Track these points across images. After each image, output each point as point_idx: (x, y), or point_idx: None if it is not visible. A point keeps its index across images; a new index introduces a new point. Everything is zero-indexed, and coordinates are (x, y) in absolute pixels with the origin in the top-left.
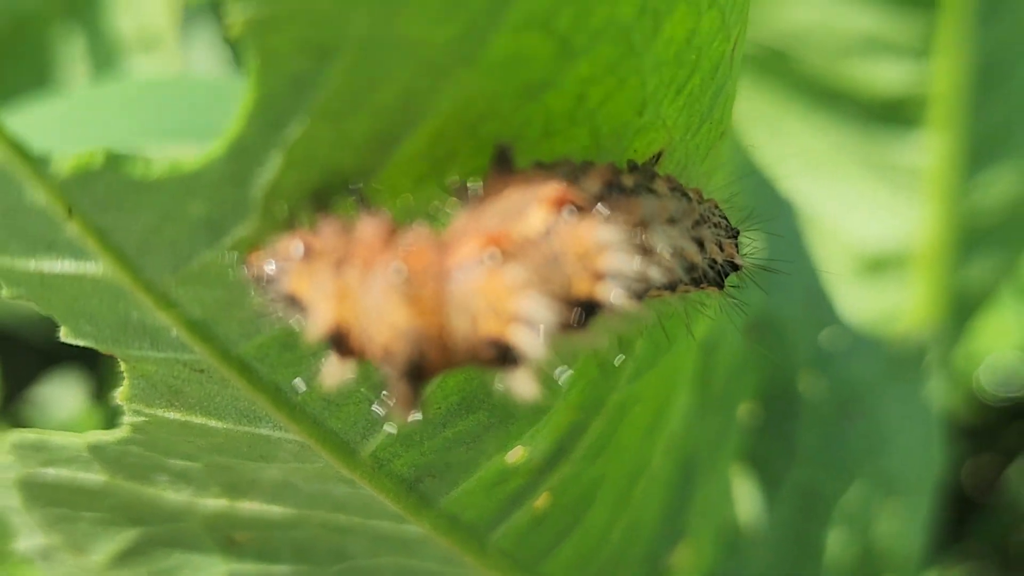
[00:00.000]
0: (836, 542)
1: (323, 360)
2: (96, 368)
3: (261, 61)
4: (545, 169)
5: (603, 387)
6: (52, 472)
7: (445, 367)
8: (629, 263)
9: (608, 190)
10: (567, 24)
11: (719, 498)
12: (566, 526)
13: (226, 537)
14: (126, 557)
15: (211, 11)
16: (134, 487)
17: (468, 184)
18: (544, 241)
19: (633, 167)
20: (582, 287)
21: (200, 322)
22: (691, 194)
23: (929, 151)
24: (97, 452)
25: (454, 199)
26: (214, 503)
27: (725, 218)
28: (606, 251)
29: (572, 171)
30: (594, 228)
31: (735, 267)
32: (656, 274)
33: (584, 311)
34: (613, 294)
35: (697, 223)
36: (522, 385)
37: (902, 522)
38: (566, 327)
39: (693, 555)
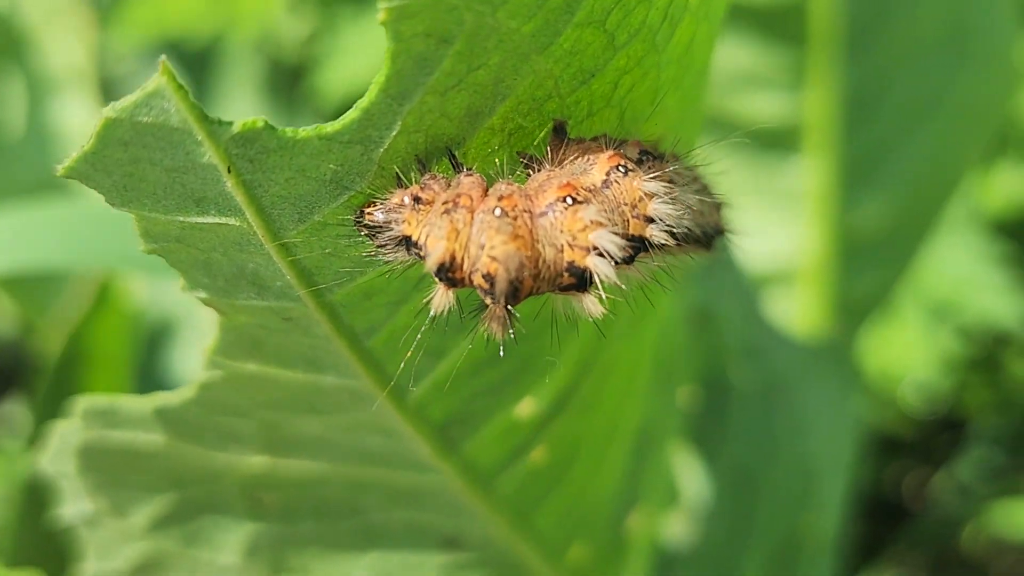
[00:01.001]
0: (764, 517)
1: (432, 292)
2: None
3: (395, 43)
4: (592, 141)
5: (596, 346)
6: (115, 435)
7: (533, 292)
8: (670, 209)
9: (643, 157)
10: (615, 23)
11: (664, 471)
12: (555, 478)
13: (254, 498)
14: (162, 520)
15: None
16: (186, 448)
17: (531, 153)
18: (604, 191)
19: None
20: (635, 228)
21: (307, 271)
22: (689, 170)
23: (808, 175)
24: (161, 414)
25: (521, 164)
26: (253, 461)
27: (712, 193)
28: (652, 200)
29: (612, 143)
30: (642, 182)
31: (721, 232)
32: (687, 221)
33: (633, 249)
34: (657, 234)
35: (697, 191)
36: (591, 306)
37: (820, 501)
38: (623, 261)
39: (643, 522)
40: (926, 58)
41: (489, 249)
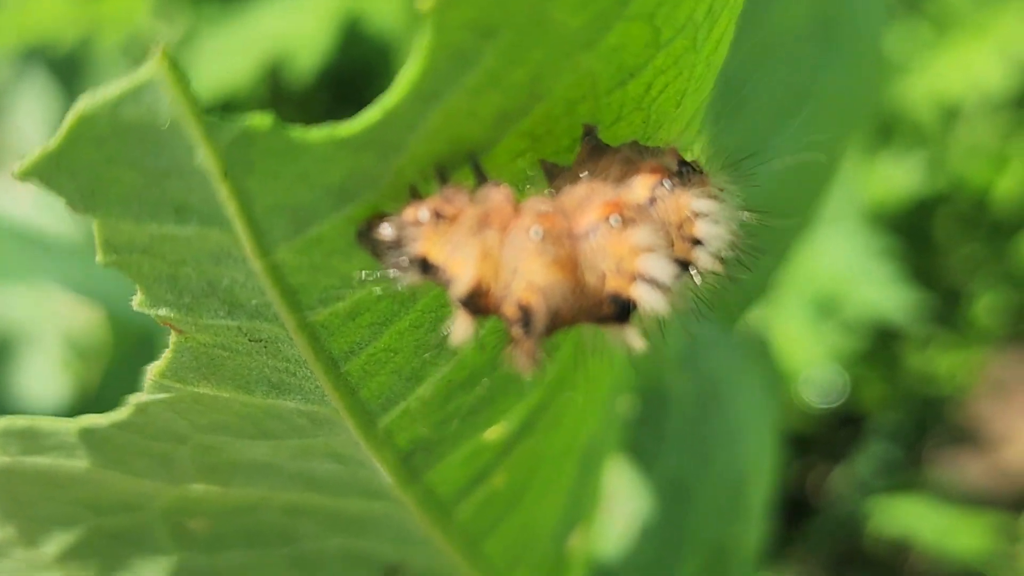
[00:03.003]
0: (696, 529)
1: (451, 319)
2: None
3: (436, 36)
4: (627, 149)
5: (573, 363)
6: (31, 460)
7: (571, 323)
8: (718, 230)
9: (681, 169)
10: (663, 17)
11: (602, 485)
12: (511, 502)
13: (180, 526)
14: (77, 550)
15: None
16: (110, 474)
17: (556, 161)
18: (650, 210)
19: None
20: (681, 251)
21: (291, 289)
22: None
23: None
24: (86, 436)
25: (544, 174)
26: (184, 488)
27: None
28: (701, 220)
29: (648, 152)
30: (690, 199)
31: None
32: (738, 243)
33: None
34: (704, 258)
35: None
36: (632, 339)
37: (748, 511)
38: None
39: (582, 539)
40: (792, 52)
41: (526, 275)
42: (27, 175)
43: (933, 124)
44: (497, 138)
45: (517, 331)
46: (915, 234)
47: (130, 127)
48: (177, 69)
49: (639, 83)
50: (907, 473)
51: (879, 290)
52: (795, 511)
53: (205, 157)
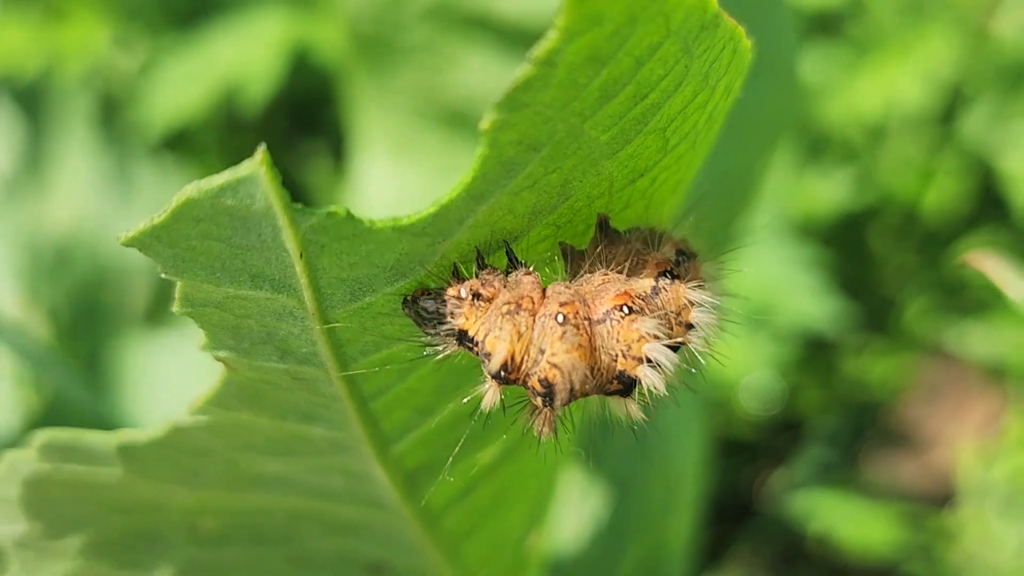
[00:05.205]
0: (636, 523)
1: (484, 387)
2: None
3: (489, 149)
4: (633, 237)
5: None
6: (71, 468)
7: (585, 395)
8: (709, 318)
9: (679, 257)
10: (673, 129)
11: (555, 488)
12: (490, 510)
13: (193, 525)
14: (97, 544)
15: None
16: (140, 482)
17: (574, 244)
18: (654, 299)
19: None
20: (678, 333)
21: (339, 342)
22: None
23: None
24: (123, 450)
25: (563, 255)
26: (205, 495)
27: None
28: (694, 308)
29: (652, 240)
30: (686, 291)
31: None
32: (724, 327)
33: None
34: (696, 341)
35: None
36: (634, 411)
37: (680, 504)
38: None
39: (540, 537)
40: None
41: (551, 356)
42: (131, 243)
43: (861, 141)
44: (529, 229)
45: (539, 401)
46: (850, 246)
47: (226, 211)
48: (272, 168)
49: (647, 179)
50: (844, 474)
51: (807, 300)
52: (739, 514)
53: (287, 239)
